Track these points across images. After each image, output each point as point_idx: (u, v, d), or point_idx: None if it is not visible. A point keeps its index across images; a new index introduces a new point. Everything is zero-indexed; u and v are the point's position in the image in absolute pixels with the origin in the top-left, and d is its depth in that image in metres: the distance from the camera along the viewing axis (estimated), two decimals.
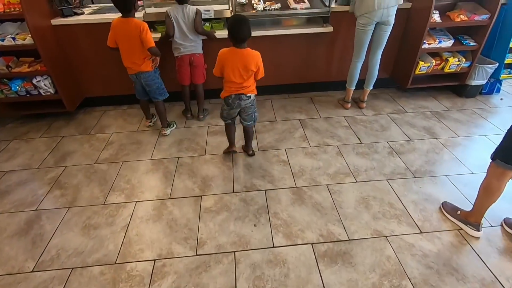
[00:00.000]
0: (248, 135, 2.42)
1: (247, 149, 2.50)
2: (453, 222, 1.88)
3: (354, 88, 3.02)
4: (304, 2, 2.79)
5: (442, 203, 1.98)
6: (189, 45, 2.62)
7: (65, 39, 2.80)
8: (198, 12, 2.53)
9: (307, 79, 3.36)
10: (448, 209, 1.93)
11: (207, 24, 2.79)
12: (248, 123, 2.30)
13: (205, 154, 2.53)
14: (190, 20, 2.53)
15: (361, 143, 2.62)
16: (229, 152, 2.46)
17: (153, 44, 2.31)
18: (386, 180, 2.21)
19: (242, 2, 2.90)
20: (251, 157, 2.47)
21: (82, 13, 2.85)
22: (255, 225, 1.89)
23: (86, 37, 2.80)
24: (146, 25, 2.26)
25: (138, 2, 3.04)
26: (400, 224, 1.88)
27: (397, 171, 2.30)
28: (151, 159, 2.49)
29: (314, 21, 2.99)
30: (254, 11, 2.76)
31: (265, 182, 2.22)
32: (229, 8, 2.75)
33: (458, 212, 1.87)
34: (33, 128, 2.95)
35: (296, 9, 2.75)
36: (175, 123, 2.91)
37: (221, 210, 2.00)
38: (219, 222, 1.92)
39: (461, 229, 1.83)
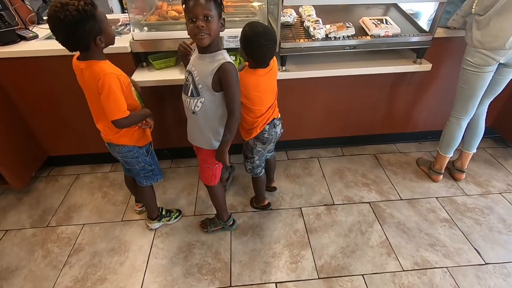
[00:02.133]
0: (273, 168, 1.92)
1: (270, 183, 1.97)
2: None
3: (452, 155, 1.99)
4: (390, 24, 1.72)
5: None
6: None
7: (7, 80, 1.76)
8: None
9: (367, 131, 2.33)
10: None
11: (233, 59, 1.74)
12: (273, 153, 1.83)
13: (230, 286, 1.52)
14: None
15: (486, 263, 1.60)
16: (264, 207, 1.88)
17: (122, 113, 1.20)
18: None
19: (288, 22, 1.83)
20: None
21: (36, 37, 1.80)
22: None
23: (42, 73, 1.75)
24: (111, 78, 1.15)
25: (123, 24, 1.98)
26: None
27: None
28: None
29: (393, 52, 1.94)
30: (307, 40, 1.70)
31: None
32: None
33: None
34: None
35: (378, 36, 1.69)
36: (178, 214, 1.84)
37: None
38: None
39: None
